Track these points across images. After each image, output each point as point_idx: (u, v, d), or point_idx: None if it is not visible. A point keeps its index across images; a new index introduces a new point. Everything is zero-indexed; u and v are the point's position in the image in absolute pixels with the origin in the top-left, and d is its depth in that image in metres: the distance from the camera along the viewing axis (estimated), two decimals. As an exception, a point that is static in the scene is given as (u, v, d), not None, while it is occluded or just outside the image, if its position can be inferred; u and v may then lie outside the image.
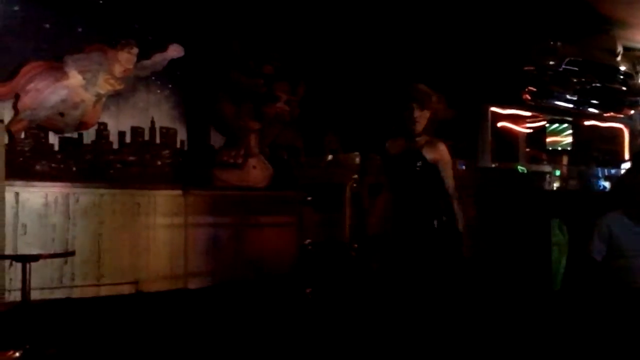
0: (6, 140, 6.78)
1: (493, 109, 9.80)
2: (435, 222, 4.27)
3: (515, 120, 10.37)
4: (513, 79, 9.52)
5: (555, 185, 10.07)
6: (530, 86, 9.59)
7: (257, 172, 9.07)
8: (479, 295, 6.23)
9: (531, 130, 10.66)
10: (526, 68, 9.57)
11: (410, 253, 4.33)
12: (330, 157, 9.42)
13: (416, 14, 8.67)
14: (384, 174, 4.61)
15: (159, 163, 8.53)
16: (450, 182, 4.32)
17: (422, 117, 4.28)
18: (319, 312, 6.56)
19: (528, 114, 10.39)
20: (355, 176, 8.35)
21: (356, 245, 7.79)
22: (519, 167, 9.70)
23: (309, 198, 8.66)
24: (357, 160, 8.73)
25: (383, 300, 5.65)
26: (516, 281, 6.70)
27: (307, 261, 8.23)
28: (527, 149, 10.62)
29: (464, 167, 8.41)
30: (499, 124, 10.06)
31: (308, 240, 8.41)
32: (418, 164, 4.27)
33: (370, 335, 5.27)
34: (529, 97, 9.67)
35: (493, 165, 9.35)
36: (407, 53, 9.01)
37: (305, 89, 9.56)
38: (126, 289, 7.43)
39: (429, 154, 4.29)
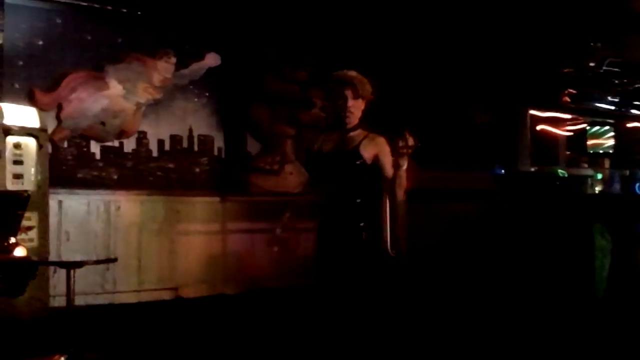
0: (50, 149, 6.93)
1: (532, 112, 9.69)
2: (364, 232, 3.80)
3: (554, 123, 10.24)
4: (552, 82, 9.41)
5: (597, 189, 9.91)
6: (570, 88, 9.47)
7: (293, 177, 9.12)
8: (519, 302, 6.17)
9: (571, 133, 10.51)
10: (565, 70, 9.46)
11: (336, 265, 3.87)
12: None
13: (454, 18, 8.63)
14: (309, 173, 4.17)
15: (197, 170, 8.62)
16: (404, 182, 3.77)
17: (356, 107, 3.82)
18: (354, 317, 6.53)
19: (568, 116, 10.25)
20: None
21: (394, 251, 7.75)
22: (559, 170, 9.57)
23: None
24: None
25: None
26: (558, 288, 6.60)
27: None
28: (567, 152, 10.47)
29: (502, 172, 8.34)
30: (538, 127, 9.94)
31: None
32: (357, 162, 3.72)
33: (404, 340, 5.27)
34: (569, 100, 9.56)
35: (532, 169, 9.25)
36: (446, 59, 8.97)
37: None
38: (166, 295, 7.54)
39: (367, 151, 3.75)
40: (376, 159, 3.77)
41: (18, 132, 6.23)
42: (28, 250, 4.81)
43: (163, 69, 8.17)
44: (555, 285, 6.61)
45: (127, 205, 7.57)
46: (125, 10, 7.96)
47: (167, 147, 8.41)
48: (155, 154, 8.31)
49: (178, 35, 8.38)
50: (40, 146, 6.38)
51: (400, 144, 3.54)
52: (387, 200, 7.38)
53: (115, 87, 7.82)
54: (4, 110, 6.17)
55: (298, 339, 5.57)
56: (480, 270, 6.79)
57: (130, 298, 7.42)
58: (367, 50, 9.16)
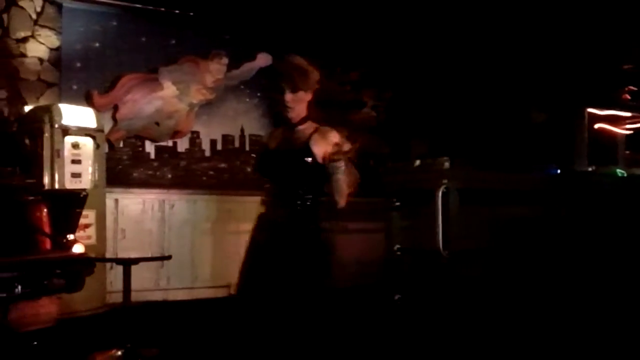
0: (106, 149, 7.08)
1: (590, 110, 9.46)
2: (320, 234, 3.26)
3: (613, 122, 9.95)
4: (611, 79, 9.16)
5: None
6: (630, 86, 9.21)
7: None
8: (578, 307, 6.04)
9: (631, 132, 10.21)
10: (625, 67, 9.21)
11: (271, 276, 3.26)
12: (417, 162, 9.32)
13: (511, 16, 8.51)
14: (256, 173, 3.64)
15: (249, 170, 8.69)
16: (342, 187, 3.24)
17: (297, 101, 3.30)
18: (408, 318, 6.50)
19: (628, 114, 9.97)
20: (445, 181, 8.23)
21: (446, 252, 7.68)
22: (618, 170, 9.31)
23: (397, 204, 8.60)
24: (447, 165, 8.60)
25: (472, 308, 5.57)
26: (620, 292, 6.41)
27: (395, 267, 8.17)
28: (627, 152, 10.17)
29: (558, 172, 8.15)
30: (596, 126, 9.70)
31: (396, 247, 8.34)
32: (307, 160, 3.22)
33: (460, 342, 5.20)
34: (629, 97, 9.29)
35: (590, 169, 9.02)
36: (497, 57, 8.85)
37: (391, 95, 9.52)
38: (219, 292, 7.61)
39: (318, 147, 3.23)
40: (325, 155, 3.28)
41: (76, 132, 6.39)
42: (86, 247, 4.90)
43: (215, 70, 8.28)
44: (617, 289, 6.42)
45: (180, 204, 7.68)
46: (178, 12, 8.08)
47: (219, 146, 8.51)
48: (207, 153, 8.41)
49: (230, 36, 8.46)
50: (97, 146, 6.54)
51: (335, 145, 3.08)
52: (440, 202, 7.31)
53: (168, 89, 7.96)
54: (62, 111, 6.34)
55: (351, 338, 5.55)
56: (536, 272, 6.65)
57: (184, 295, 7.53)
58: (421, 49, 9.11)
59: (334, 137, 3.27)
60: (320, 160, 3.20)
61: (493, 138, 8.79)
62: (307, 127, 3.35)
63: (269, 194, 3.43)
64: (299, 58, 3.34)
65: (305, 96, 3.33)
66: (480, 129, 9.02)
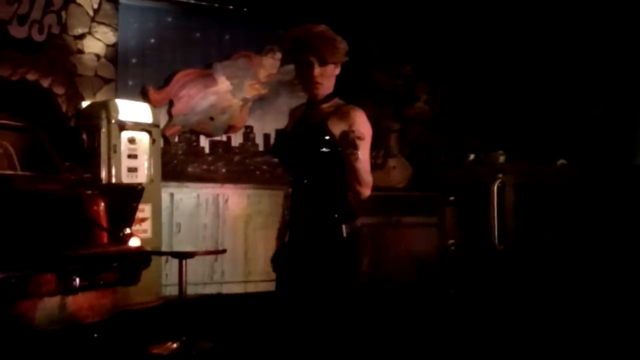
0: (162, 144, 7.19)
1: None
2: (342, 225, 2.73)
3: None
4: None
5: None
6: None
7: (396, 172, 9.05)
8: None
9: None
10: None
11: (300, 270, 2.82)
12: (472, 156, 9.20)
13: (564, 10, 8.30)
14: (274, 156, 3.20)
15: (302, 164, 8.70)
16: (361, 176, 2.65)
17: (325, 76, 2.79)
18: (464, 313, 6.42)
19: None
20: (500, 176, 8.10)
21: (502, 247, 7.55)
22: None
23: (451, 198, 8.50)
24: (502, 159, 8.47)
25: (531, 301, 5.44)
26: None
27: (449, 262, 8.08)
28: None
29: (617, 166, 7.91)
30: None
31: (451, 241, 8.24)
32: (323, 140, 2.73)
33: (515, 337, 5.10)
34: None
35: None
36: (554, 49, 8.64)
37: (445, 89, 9.41)
38: (272, 286, 7.63)
39: (336, 127, 2.70)
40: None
41: (132, 127, 6.50)
42: (142, 241, 4.99)
43: (269, 65, 8.32)
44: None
45: (234, 198, 7.75)
46: (232, 8, 8.13)
47: (272, 141, 8.53)
48: (261, 148, 8.45)
49: (284, 31, 8.46)
50: (153, 141, 6.64)
51: (350, 128, 2.59)
52: (496, 196, 7.19)
53: (223, 84, 8.03)
54: (119, 106, 6.45)
55: (406, 332, 5.51)
56: (594, 267, 6.48)
57: (238, 288, 7.60)
58: (475, 42, 8.97)
59: (358, 117, 2.76)
60: (338, 142, 2.68)
61: (549, 132, 8.60)
62: (331, 105, 2.83)
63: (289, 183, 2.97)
64: (324, 26, 2.84)
65: (334, 70, 2.82)
66: (536, 123, 8.84)
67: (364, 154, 2.64)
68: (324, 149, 2.70)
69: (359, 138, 2.53)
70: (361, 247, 2.81)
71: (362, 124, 2.73)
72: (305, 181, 2.80)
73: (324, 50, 2.75)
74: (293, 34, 2.82)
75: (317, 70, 2.76)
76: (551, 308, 5.87)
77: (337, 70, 2.84)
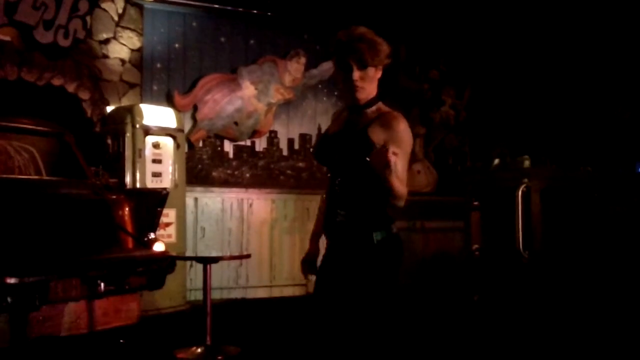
0: (186, 149, 7.20)
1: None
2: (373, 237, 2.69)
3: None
4: None
5: None
6: None
7: (421, 176, 8.99)
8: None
9: None
10: None
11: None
12: (496, 161, 9.12)
13: (590, 14, 8.20)
14: (316, 159, 3.09)
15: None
16: (395, 187, 2.55)
17: (366, 79, 2.72)
18: (487, 319, 6.34)
19: None
20: (525, 180, 8.01)
21: (527, 253, 7.46)
22: None
23: (476, 203, 8.42)
24: (527, 163, 8.38)
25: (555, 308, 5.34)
26: None
27: (474, 267, 8.00)
28: None
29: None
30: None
31: (475, 246, 8.16)
32: (364, 148, 2.64)
33: (539, 345, 5.02)
34: None
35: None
36: (581, 52, 8.54)
37: (471, 93, 9.35)
38: (297, 291, 7.64)
39: (376, 134, 2.65)
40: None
41: (157, 132, 6.52)
42: (166, 245, 4.98)
43: (294, 69, 8.32)
44: None
45: (259, 203, 7.75)
46: (257, 12, 8.14)
47: (296, 146, 8.52)
48: (285, 152, 8.44)
49: (309, 35, 8.46)
50: (177, 146, 6.65)
51: (384, 149, 2.50)
52: (521, 202, 7.10)
53: (248, 88, 8.03)
54: (143, 111, 6.47)
55: (430, 337, 5.46)
56: (622, 274, 6.37)
57: (263, 293, 7.60)
58: (500, 47, 8.89)
59: (397, 126, 2.68)
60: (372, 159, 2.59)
61: (576, 136, 8.50)
62: (374, 111, 2.76)
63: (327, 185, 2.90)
64: (366, 28, 2.76)
65: (376, 73, 2.75)
66: (562, 127, 8.74)
67: (401, 165, 2.58)
68: (363, 157, 2.58)
69: (394, 154, 2.46)
70: (397, 253, 2.78)
71: (402, 134, 2.68)
72: (341, 186, 2.75)
73: (364, 53, 2.68)
74: (336, 36, 2.75)
75: (356, 73, 2.70)
76: (575, 316, 5.77)
77: (379, 74, 2.76)
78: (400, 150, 2.55)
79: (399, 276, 2.81)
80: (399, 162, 2.52)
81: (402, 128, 2.70)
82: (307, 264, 3.07)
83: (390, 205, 2.69)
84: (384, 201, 2.69)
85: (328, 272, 2.83)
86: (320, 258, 2.93)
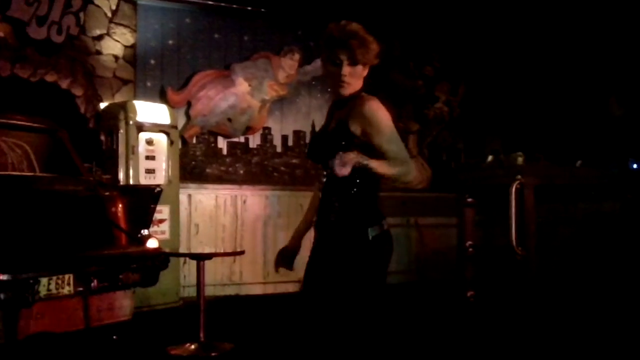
0: (180, 146, 7.19)
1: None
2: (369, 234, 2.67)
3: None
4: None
5: None
6: None
7: (415, 173, 9.01)
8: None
9: None
10: None
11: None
12: (491, 157, 9.14)
13: (582, 9, 8.22)
14: (310, 160, 3.10)
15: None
16: (391, 163, 2.59)
17: (354, 76, 2.71)
18: (481, 316, 6.36)
19: None
20: (519, 177, 8.03)
21: (521, 249, 7.48)
22: None
23: (470, 200, 8.44)
24: (521, 160, 8.40)
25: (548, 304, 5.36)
26: None
27: (468, 264, 8.02)
28: None
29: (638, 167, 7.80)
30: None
31: (469, 243, 8.18)
32: (342, 143, 2.63)
33: (535, 340, 5.04)
34: None
35: None
36: (573, 49, 8.56)
37: (465, 90, 9.36)
38: (290, 287, 7.63)
39: (355, 124, 2.65)
40: (364, 133, 2.65)
41: (150, 128, 6.52)
42: (160, 242, 4.98)
43: (288, 66, 8.31)
44: None
45: (252, 200, 7.75)
46: (250, 9, 8.13)
47: (290, 142, 8.52)
48: (279, 149, 8.44)
49: (303, 32, 8.46)
50: (171, 142, 6.65)
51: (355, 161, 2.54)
52: (514, 198, 7.12)
53: (242, 85, 8.02)
54: (137, 107, 6.47)
55: (423, 335, 5.48)
56: (614, 271, 6.40)
57: (256, 290, 7.61)
58: (494, 43, 8.91)
59: (370, 113, 2.64)
60: (359, 139, 2.64)
61: (570, 133, 8.52)
62: (356, 102, 2.72)
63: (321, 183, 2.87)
64: (358, 25, 2.73)
65: (363, 71, 2.72)
66: (556, 124, 8.76)
67: (395, 144, 2.62)
68: (345, 150, 2.57)
69: (359, 163, 2.50)
70: (388, 249, 2.77)
71: (375, 115, 2.65)
72: (332, 181, 2.70)
73: (356, 50, 2.66)
74: (328, 29, 2.73)
75: (346, 69, 2.68)
76: (568, 312, 5.80)
77: (366, 72, 2.75)
78: (381, 133, 2.60)
79: (390, 274, 2.82)
80: (387, 136, 2.60)
81: (373, 109, 2.66)
82: (283, 257, 3.07)
83: (401, 183, 2.70)
84: (374, 196, 2.71)
85: (319, 267, 2.84)
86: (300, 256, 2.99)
